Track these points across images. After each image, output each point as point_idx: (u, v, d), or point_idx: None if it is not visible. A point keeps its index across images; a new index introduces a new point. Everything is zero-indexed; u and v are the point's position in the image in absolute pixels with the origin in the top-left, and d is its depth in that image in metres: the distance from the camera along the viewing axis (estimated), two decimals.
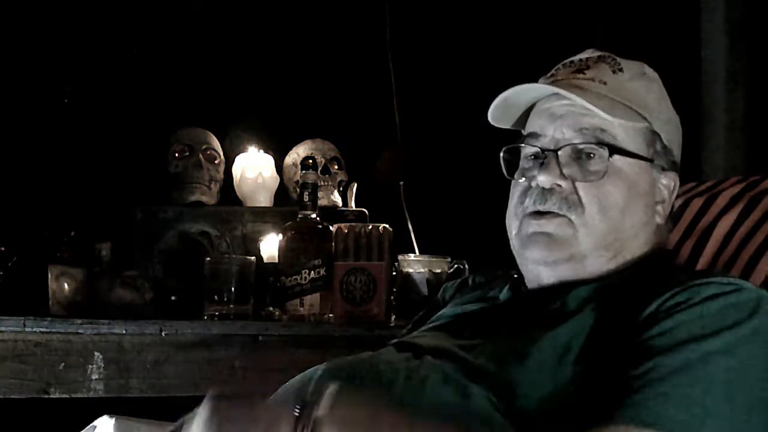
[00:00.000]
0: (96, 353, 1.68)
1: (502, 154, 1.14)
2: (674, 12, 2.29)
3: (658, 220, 1.12)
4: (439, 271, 1.93)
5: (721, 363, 0.86)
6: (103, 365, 1.68)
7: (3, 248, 1.86)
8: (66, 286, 1.79)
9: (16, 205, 2.18)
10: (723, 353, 0.86)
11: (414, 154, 2.47)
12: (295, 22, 2.50)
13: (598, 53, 1.14)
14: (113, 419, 1.51)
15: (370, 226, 1.81)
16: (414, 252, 2.14)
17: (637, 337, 0.90)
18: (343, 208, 2.15)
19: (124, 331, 1.69)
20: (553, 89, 1.08)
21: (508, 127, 1.19)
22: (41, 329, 1.67)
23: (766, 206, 1.24)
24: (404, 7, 2.51)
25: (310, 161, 1.92)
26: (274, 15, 2.49)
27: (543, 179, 1.06)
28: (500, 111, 1.16)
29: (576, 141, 1.07)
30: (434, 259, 1.95)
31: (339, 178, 2.27)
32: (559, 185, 1.06)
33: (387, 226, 1.81)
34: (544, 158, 1.08)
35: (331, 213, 2.08)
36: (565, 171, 1.07)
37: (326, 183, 2.22)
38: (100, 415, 1.54)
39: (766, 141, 2.13)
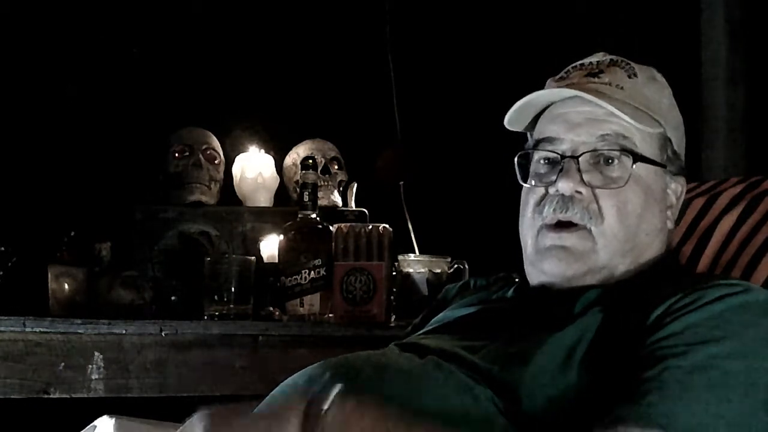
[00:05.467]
0: (96, 353, 1.68)
1: (516, 160, 1.12)
2: (674, 12, 2.29)
3: (669, 225, 1.13)
4: (439, 271, 1.93)
5: (731, 365, 0.86)
6: (103, 365, 1.68)
7: (3, 248, 1.86)
8: (66, 286, 1.79)
9: (16, 205, 2.18)
10: (733, 356, 0.86)
11: (414, 154, 2.47)
12: (295, 22, 2.50)
13: (610, 57, 1.13)
14: (113, 419, 1.51)
15: (370, 226, 1.81)
16: (414, 252, 2.14)
17: (645, 340, 0.90)
18: (343, 208, 2.15)
19: (124, 331, 1.68)
20: (576, 92, 1.07)
21: (520, 130, 1.17)
22: (41, 329, 1.66)
23: (766, 207, 1.24)
24: (404, 7, 2.51)
25: (310, 161, 1.91)
26: (273, 15, 2.49)
27: (563, 186, 1.05)
28: (515, 114, 1.14)
29: (599, 147, 1.06)
30: (434, 259, 1.95)
31: (339, 178, 2.27)
32: (580, 192, 1.05)
33: (387, 226, 1.81)
34: (562, 164, 1.06)
35: (331, 213, 2.08)
36: (585, 177, 1.05)
37: (326, 183, 2.22)
38: (100, 415, 1.54)
39: (766, 141, 2.13)
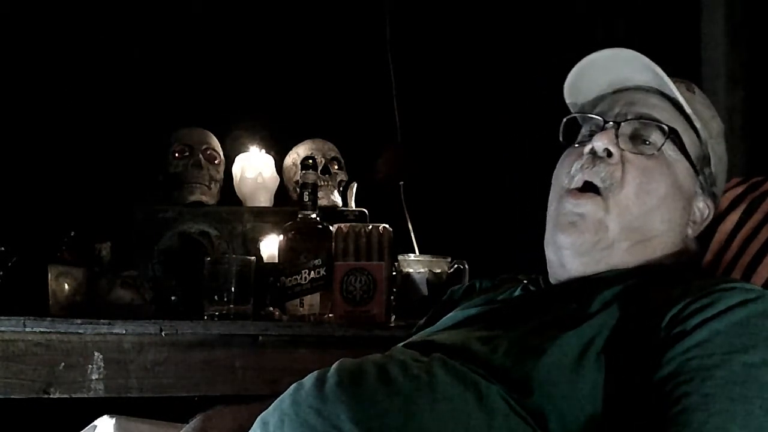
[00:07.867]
0: (96, 353, 1.68)
1: (564, 121, 1.17)
2: (674, 12, 2.29)
3: (690, 231, 1.15)
4: (439, 271, 1.93)
5: (766, 376, 0.85)
6: (103, 365, 1.68)
7: (3, 248, 1.86)
8: (66, 286, 1.79)
9: (16, 205, 2.18)
10: (765, 365, 0.86)
11: (414, 154, 2.48)
12: (295, 22, 2.50)
13: (676, 78, 1.17)
14: (113, 419, 1.51)
15: (370, 226, 1.80)
16: (414, 252, 2.14)
17: (668, 345, 0.89)
18: (343, 208, 2.15)
19: (124, 331, 1.68)
20: (636, 53, 1.11)
21: (571, 100, 1.22)
22: (41, 329, 1.66)
23: (767, 208, 1.24)
24: (404, 7, 2.51)
25: (310, 161, 1.91)
26: (273, 15, 2.49)
27: (597, 143, 1.09)
28: (573, 86, 1.19)
29: (642, 123, 1.11)
30: (434, 259, 1.95)
31: (339, 178, 2.27)
32: (611, 155, 1.08)
33: (387, 226, 1.81)
34: (604, 127, 1.11)
35: (331, 213, 2.08)
36: (620, 142, 1.09)
37: (326, 183, 2.22)
38: (100, 415, 1.54)
39: (766, 142, 2.13)
